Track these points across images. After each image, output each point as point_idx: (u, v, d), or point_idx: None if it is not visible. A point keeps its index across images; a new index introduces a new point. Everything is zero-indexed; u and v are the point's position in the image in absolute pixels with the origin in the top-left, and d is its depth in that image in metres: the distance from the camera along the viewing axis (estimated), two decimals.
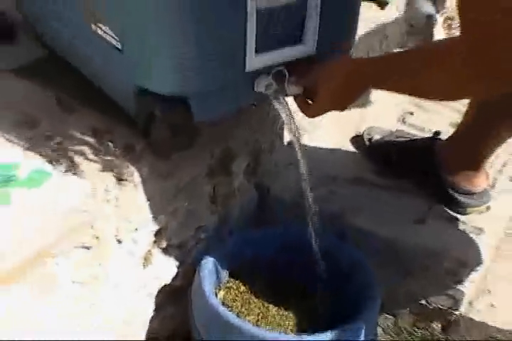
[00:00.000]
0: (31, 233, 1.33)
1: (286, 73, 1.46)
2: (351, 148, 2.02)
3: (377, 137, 1.97)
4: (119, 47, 1.43)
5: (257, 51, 1.38)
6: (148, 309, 1.68)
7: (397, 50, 1.71)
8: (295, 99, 1.50)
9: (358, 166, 1.95)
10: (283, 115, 1.48)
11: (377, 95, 2.11)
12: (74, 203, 1.40)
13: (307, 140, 1.98)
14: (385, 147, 1.94)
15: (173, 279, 1.69)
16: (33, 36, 1.84)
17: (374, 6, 2.14)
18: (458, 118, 2.06)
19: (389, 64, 1.35)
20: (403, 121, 2.13)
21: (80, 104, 1.64)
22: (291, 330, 1.58)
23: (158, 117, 1.44)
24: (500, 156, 1.96)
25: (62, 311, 1.41)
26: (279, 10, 1.38)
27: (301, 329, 1.60)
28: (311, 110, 1.49)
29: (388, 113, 2.11)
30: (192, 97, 1.41)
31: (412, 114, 2.13)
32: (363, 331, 1.47)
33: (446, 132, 1.94)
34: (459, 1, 1.11)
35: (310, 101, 1.48)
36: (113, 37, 1.44)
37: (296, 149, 1.49)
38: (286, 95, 1.48)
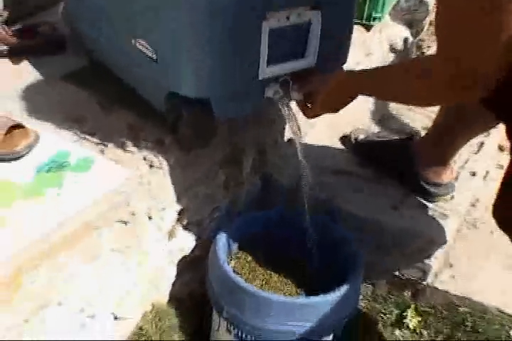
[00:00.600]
0: (79, 210, 1.38)
1: (291, 81, 1.51)
2: (340, 146, 2.07)
3: (362, 137, 2.02)
4: (155, 58, 1.48)
5: (268, 63, 1.44)
6: (172, 274, 1.74)
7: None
8: (297, 103, 1.56)
9: (344, 160, 2.00)
10: (286, 117, 1.53)
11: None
12: (114, 186, 1.45)
13: (305, 139, 2.04)
14: (368, 144, 1.99)
15: (192, 251, 1.75)
16: (79, 47, 1.88)
17: (361, 28, 2.20)
18: (428, 123, 2.12)
19: (374, 76, 1.40)
20: (382, 124, 2.18)
21: (118, 106, 1.69)
22: (290, 294, 1.64)
23: (184, 117, 1.50)
24: (462, 154, 2.01)
25: (102, 273, 1.47)
26: (287, 30, 1.43)
27: (298, 293, 1.65)
28: (310, 112, 1.55)
29: (368, 117, 2.18)
30: (214, 100, 1.47)
31: (393, 118, 2.19)
32: (348, 294, 1.54)
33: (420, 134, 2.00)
34: (436, 19, 1.16)
35: (309, 105, 1.54)
36: (150, 50, 1.49)
37: (297, 146, 1.54)
38: (290, 100, 1.54)
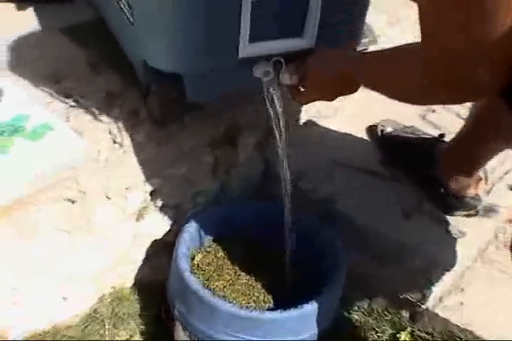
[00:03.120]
0: (19, 182, 1.25)
1: (283, 62, 1.29)
2: (365, 137, 1.83)
3: (389, 130, 1.77)
4: (131, 19, 1.31)
5: (251, 40, 1.23)
6: (138, 258, 1.59)
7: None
8: (287, 86, 1.34)
9: (365, 154, 1.76)
10: (271, 103, 1.31)
11: None
12: (65, 159, 1.30)
13: (324, 123, 1.81)
14: (393, 140, 1.74)
15: (165, 235, 1.59)
16: None
17: (415, 5, 1.91)
18: None
19: (367, 59, 1.17)
20: (423, 118, 1.91)
21: (107, 68, 1.54)
22: (255, 301, 1.45)
23: (152, 89, 1.32)
24: (504, 163, 1.73)
25: (42, 255, 1.34)
26: (277, 2, 1.21)
27: (266, 301, 1.46)
28: (301, 97, 1.33)
29: (411, 107, 1.89)
30: (186, 77, 1.28)
31: (434, 111, 1.90)
32: (313, 313, 1.34)
33: None
34: (420, 15, 0.93)
35: (302, 89, 1.32)
36: (128, 11, 1.32)
37: (278, 143, 1.33)
38: (279, 84, 1.32)
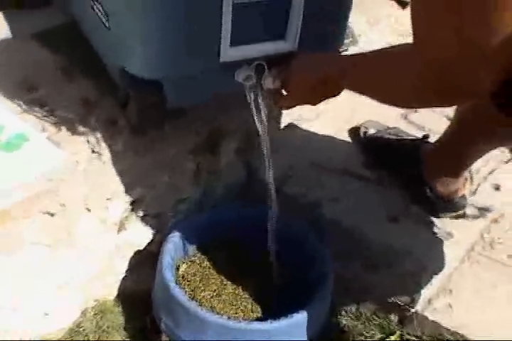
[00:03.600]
0: None
1: (266, 66, 1.26)
2: (348, 139, 1.80)
3: (372, 131, 1.74)
4: (107, 25, 1.26)
5: (232, 43, 1.19)
6: (121, 269, 1.55)
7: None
8: (269, 90, 1.30)
9: (348, 157, 1.73)
10: (255, 108, 1.28)
11: None
12: (44, 171, 1.25)
13: (306, 126, 1.78)
14: (376, 142, 1.71)
15: (148, 245, 1.54)
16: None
17: (395, 4, 1.88)
18: None
19: (355, 62, 1.14)
20: (405, 118, 1.88)
21: (84, 74, 1.49)
22: (243, 311, 1.41)
23: (132, 96, 1.28)
24: (489, 163, 1.71)
25: (23, 269, 1.29)
26: (259, 5, 1.18)
27: (254, 311, 1.43)
28: (283, 102, 1.30)
29: (393, 108, 1.87)
30: (166, 83, 1.24)
31: (416, 111, 1.88)
32: (304, 322, 1.31)
33: None
34: (412, 18, 0.90)
35: (285, 93, 1.29)
36: (103, 15, 1.27)
37: (263, 147, 1.29)
38: (262, 89, 1.28)
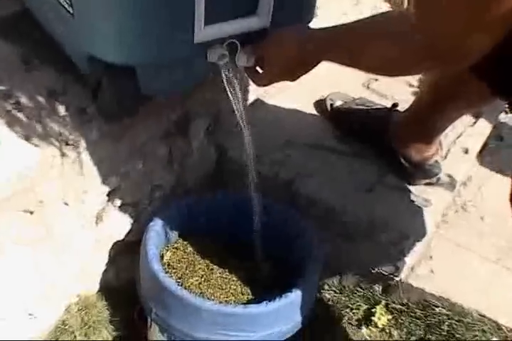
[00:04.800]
0: None
1: (239, 44, 1.22)
2: (315, 112, 1.78)
3: (338, 103, 1.73)
4: (71, 11, 1.20)
5: (206, 23, 1.15)
6: (101, 262, 1.50)
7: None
8: (245, 69, 1.28)
9: (318, 131, 1.72)
10: (231, 87, 1.24)
11: None
12: (18, 169, 1.19)
13: (272, 102, 1.76)
14: (345, 114, 1.70)
15: (127, 235, 1.50)
16: None
17: None
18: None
19: (340, 35, 1.12)
20: (367, 87, 1.88)
21: (45, 64, 1.41)
22: (233, 294, 1.40)
23: (104, 84, 1.22)
24: (456, 127, 1.73)
25: (2, 269, 1.24)
26: None
27: (244, 293, 1.41)
28: (261, 80, 1.27)
29: (354, 78, 1.86)
30: (139, 68, 1.19)
31: (376, 80, 1.87)
32: (297, 301, 1.30)
33: (407, 101, 1.71)
34: None
35: (261, 71, 1.26)
36: (66, 2, 1.20)
37: (241, 124, 1.27)
38: (237, 67, 1.25)
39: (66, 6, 1.20)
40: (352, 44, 1.09)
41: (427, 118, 1.49)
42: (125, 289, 1.55)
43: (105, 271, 1.52)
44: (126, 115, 1.30)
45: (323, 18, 1.53)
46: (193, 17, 1.12)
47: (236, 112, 1.27)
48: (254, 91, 1.69)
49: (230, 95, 1.25)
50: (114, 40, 1.13)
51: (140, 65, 1.19)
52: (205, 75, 1.35)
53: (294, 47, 1.17)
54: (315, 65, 1.20)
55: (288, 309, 1.30)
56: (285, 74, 1.23)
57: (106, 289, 1.54)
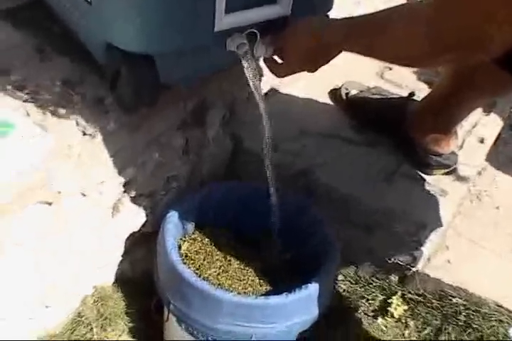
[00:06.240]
0: None
1: (258, 34, 1.21)
2: (329, 101, 1.76)
3: (354, 92, 1.72)
4: (89, 0, 1.18)
5: (227, 11, 1.13)
6: (118, 253, 1.49)
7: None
8: (265, 60, 1.26)
9: (333, 120, 1.70)
10: (251, 76, 1.22)
11: None
12: (35, 160, 1.18)
13: (286, 91, 1.74)
14: (360, 103, 1.68)
15: (143, 226, 1.49)
16: None
17: None
18: (434, 76, 1.81)
19: (360, 25, 1.11)
20: (381, 76, 1.86)
21: (59, 53, 1.39)
22: (251, 285, 1.38)
23: (123, 74, 1.20)
24: (471, 115, 1.71)
25: (26, 264, 1.23)
26: None
27: (262, 284, 1.40)
28: (280, 70, 1.26)
29: (367, 67, 1.84)
30: (158, 57, 1.17)
31: (390, 69, 1.86)
32: (316, 292, 1.29)
33: (422, 90, 1.69)
34: None
35: (281, 62, 1.24)
36: None
37: (261, 110, 1.25)
38: (254, 56, 1.23)
39: None
40: (372, 34, 1.08)
41: (445, 108, 1.47)
42: (141, 280, 1.54)
43: (121, 262, 1.51)
44: (146, 105, 1.28)
45: (336, 8, 1.52)
46: (214, 5, 1.11)
47: (257, 99, 1.25)
48: (269, 81, 1.67)
49: (250, 84, 1.24)
50: (135, 28, 1.11)
51: (160, 54, 1.17)
52: (224, 64, 1.32)
53: (314, 38, 1.15)
54: (336, 55, 1.19)
55: (307, 300, 1.28)
56: (306, 65, 1.22)
57: (121, 280, 1.53)
